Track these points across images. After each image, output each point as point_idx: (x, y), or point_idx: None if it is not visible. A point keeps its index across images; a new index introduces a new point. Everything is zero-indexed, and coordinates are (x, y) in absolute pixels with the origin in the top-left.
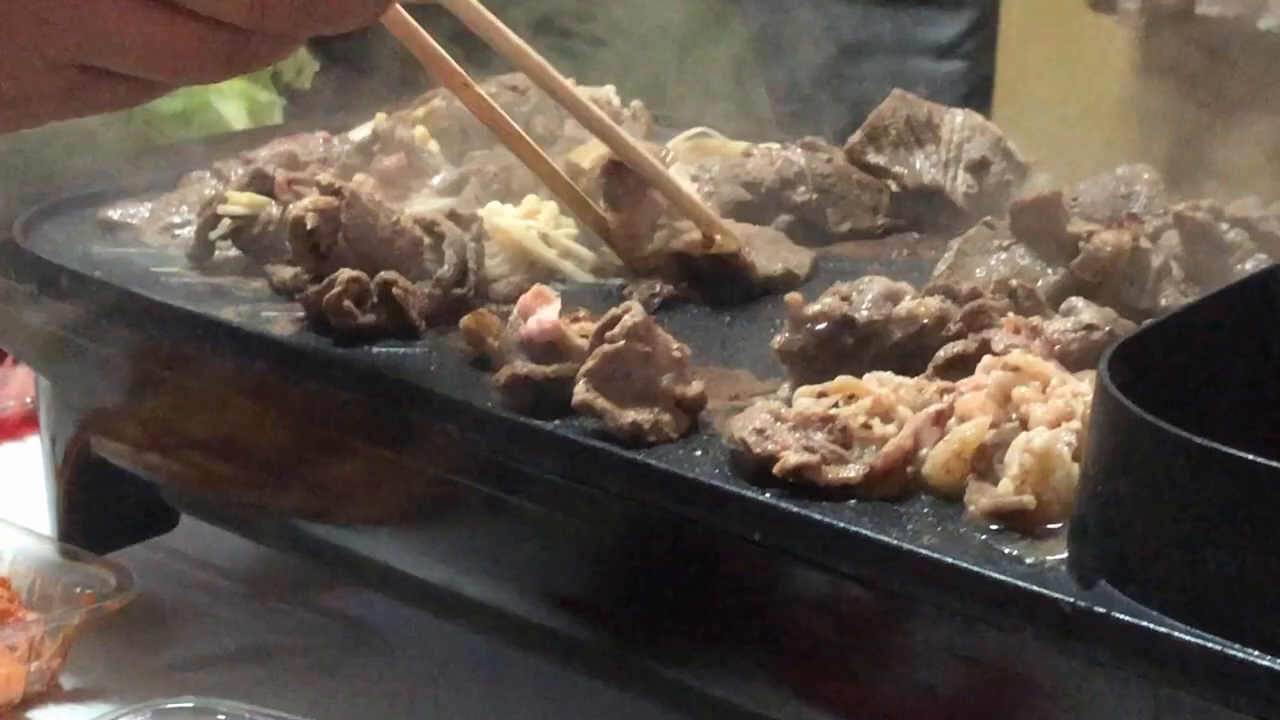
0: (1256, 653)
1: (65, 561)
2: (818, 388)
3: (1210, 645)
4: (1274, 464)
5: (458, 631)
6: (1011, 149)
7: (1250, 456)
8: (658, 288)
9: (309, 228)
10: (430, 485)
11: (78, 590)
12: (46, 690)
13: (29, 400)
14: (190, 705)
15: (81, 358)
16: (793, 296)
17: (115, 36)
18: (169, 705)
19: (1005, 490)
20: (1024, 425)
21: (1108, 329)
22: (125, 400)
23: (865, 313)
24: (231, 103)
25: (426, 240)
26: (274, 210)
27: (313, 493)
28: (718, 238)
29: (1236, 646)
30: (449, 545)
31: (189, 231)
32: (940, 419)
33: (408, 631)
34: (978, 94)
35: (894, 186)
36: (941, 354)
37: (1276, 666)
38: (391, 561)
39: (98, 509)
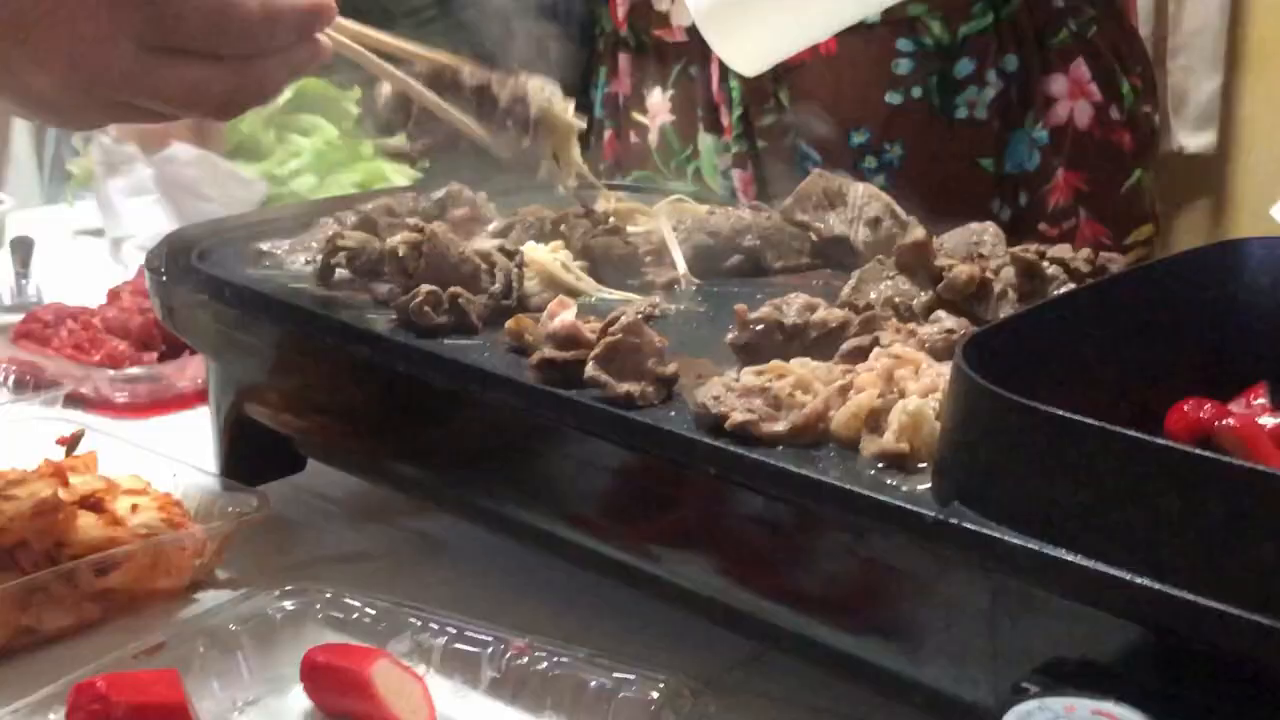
0: (1065, 551)
1: (224, 491)
2: (757, 369)
3: (1032, 546)
4: (1070, 415)
5: (496, 539)
6: (897, 210)
7: (1054, 409)
8: (648, 300)
9: (401, 255)
10: (483, 436)
11: (230, 509)
12: (206, 579)
13: (200, 381)
14: (305, 590)
15: (238, 346)
16: (740, 307)
17: (138, 86)
18: (289, 589)
19: (888, 440)
20: (902, 395)
21: (962, 331)
22: (268, 377)
23: (791, 318)
24: (395, 177)
25: (483, 266)
26: (377, 244)
27: (400, 443)
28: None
29: (1050, 547)
30: (495, 479)
31: (317, 259)
32: (843, 391)
33: (462, 541)
34: None
35: (814, 237)
36: (845, 347)
37: (1079, 561)
38: (453, 491)
39: (249, 455)
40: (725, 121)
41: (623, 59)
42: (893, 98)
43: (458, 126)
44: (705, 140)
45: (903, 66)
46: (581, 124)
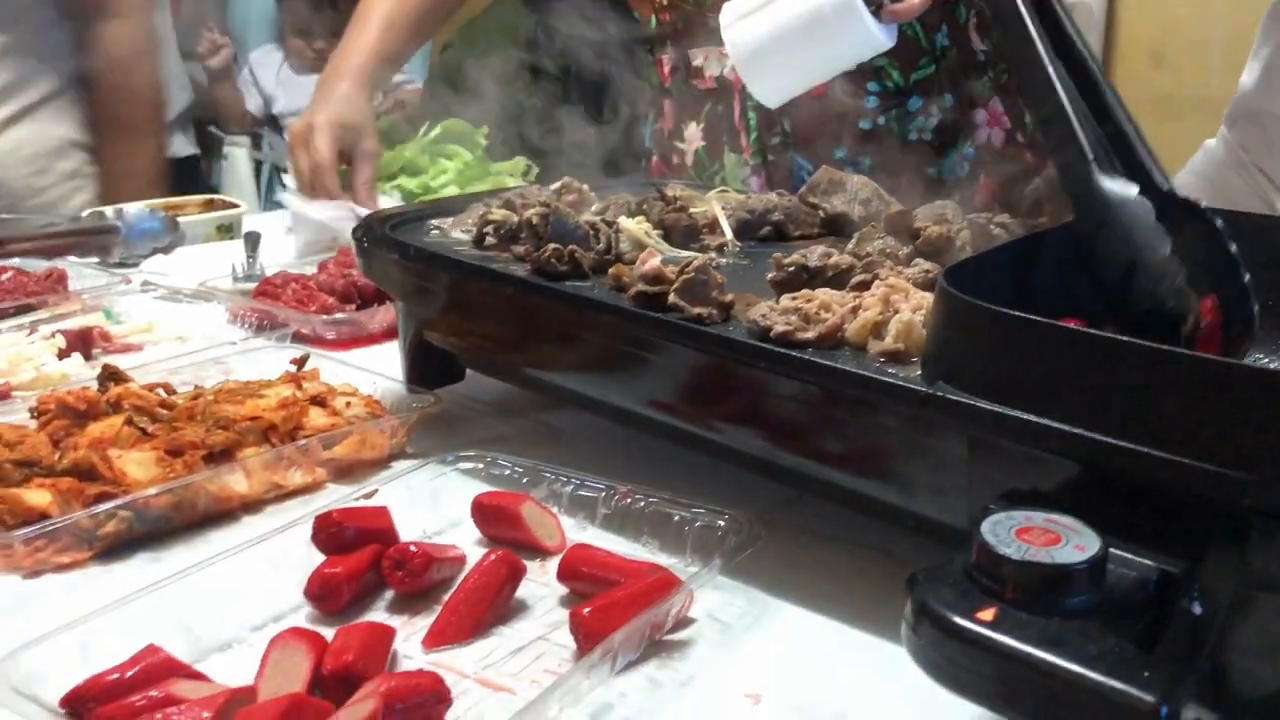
0: (1019, 411)
1: (408, 393)
2: (790, 295)
3: (995, 409)
4: (1021, 314)
5: (601, 423)
6: (882, 192)
7: (1009, 311)
8: (709, 254)
9: (534, 223)
10: (595, 348)
11: (414, 405)
12: (399, 452)
13: (384, 324)
14: (472, 455)
15: (419, 291)
16: (777, 255)
17: None
18: (455, 455)
19: (888, 343)
20: (896, 312)
21: (935, 271)
22: (440, 312)
23: (814, 262)
24: (510, 179)
25: (592, 232)
26: (515, 217)
27: (534, 356)
28: None
29: (1008, 409)
30: (603, 377)
31: (472, 230)
32: (854, 310)
33: (573, 429)
34: None
35: (822, 213)
36: (853, 280)
37: (1028, 418)
38: (572, 388)
39: (426, 367)
40: (744, 143)
41: (667, 104)
42: (864, 124)
43: None
44: (729, 158)
45: (871, 102)
46: None
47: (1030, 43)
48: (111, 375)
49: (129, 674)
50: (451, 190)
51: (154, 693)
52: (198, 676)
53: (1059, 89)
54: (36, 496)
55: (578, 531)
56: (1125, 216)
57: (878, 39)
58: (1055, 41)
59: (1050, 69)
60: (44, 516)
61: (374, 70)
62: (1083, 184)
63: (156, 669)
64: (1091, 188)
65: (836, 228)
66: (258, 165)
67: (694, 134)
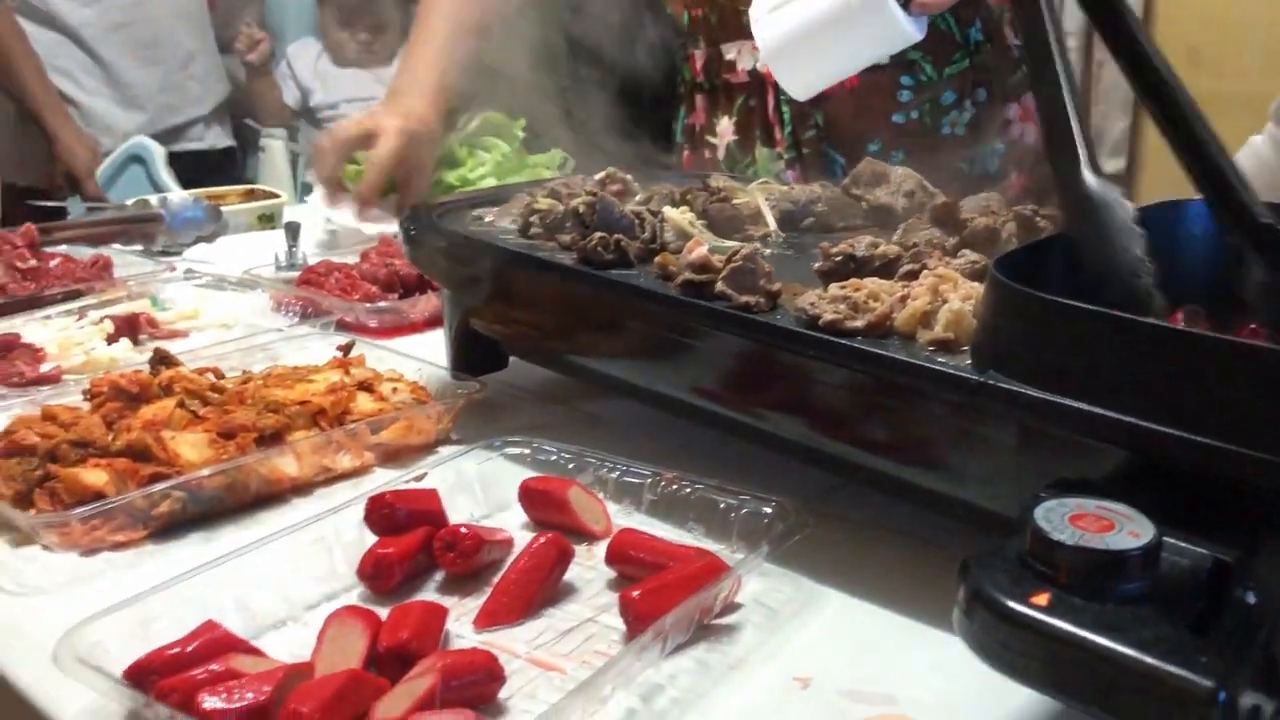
0: (1069, 400)
1: (453, 380)
2: (839, 284)
3: (1047, 397)
4: (1072, 302)
5: (641, 411)
6: (926, 184)
7: (1061, 299)
8: (754, 243)
9: (580, 211)
10: (641, 335)
11: (459, 391)
12: (444, 438)
13: (426, 313)
14: (519, 441)
15: (466, 279)
16: (824, 244)
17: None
18: (501, 440)
19: (938, 332)
20: (945, 302)
21: (983, 262)
22: (486, 299)
23: (861, 251)
24: (547, 172)
25: (638, 221)
26: (561, 206)
27: (579, 343)
28: None
29: (1059, 397)
30: (649, 365)
31: (518, 220)
32: (903, 300)
33: (613, 417)
34: None
35: (865, 205)
36: (902, 269)
37: (1079, 406)
38: (617, 375)
39: (470, 355)
40: (778, 136)
41: (699, 99)
42: (897, 118)
43: None
44: (762, 151)
45: (904, 96)
46: None
47: (1042, 34)
48: (163, 359)
49: (190, 648)
50: (490, 182)
51: (215, 666)
52: (256, 652)
53: (1063, 84)
54: (93, 476)
55: (624, 517)
56: (1105, 216)
57: (907, 31)
58: (1142, 79)
59: (1059, 63)
60: (99, 496)
61: (449, 87)
62: (1070, 182)
63: (216, 644)
64: (1078, 186)
65: (879, 219)
66: (294, 158)
67: (726, 128)
